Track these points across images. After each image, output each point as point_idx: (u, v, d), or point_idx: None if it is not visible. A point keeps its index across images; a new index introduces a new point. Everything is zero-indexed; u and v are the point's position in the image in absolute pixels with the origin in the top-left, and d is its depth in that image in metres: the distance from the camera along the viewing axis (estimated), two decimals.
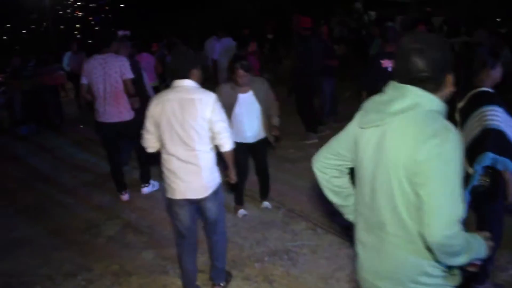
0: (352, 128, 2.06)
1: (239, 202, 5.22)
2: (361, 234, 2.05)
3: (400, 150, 1.75)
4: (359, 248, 2.07)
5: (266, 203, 5.30)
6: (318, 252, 4.32)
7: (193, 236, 3.70)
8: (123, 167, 6.10)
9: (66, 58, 11.78)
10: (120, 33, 12.39)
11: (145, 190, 6.06)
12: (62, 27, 38.23)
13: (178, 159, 3.40)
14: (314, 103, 7.87)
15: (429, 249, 1.76)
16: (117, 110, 5.48)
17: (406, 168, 1.73)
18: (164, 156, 3.48)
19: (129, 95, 5.50)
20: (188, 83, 3.42)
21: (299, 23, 8.18)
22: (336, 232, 4.59)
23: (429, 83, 1.76)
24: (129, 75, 5.45)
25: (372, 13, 13.45)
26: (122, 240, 4.88)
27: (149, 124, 3.47)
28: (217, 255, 3.80)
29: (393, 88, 1.83)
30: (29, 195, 6.51)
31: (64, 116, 10.84)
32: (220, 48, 9.18)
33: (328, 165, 2.17)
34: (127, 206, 5.70)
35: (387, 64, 5.21)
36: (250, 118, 4.79)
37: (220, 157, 3.60)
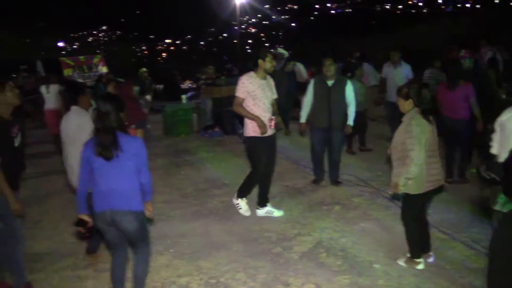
0: None
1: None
2: None
3: None
4: None
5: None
6: None
7: None
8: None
9: None
10: (280, 51, 12.71)
11: None
12: (235, 41, 40.87)
13: None
14: None
15: None
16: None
17: None
18: None
19: None
20: None
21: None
22: None
23: None
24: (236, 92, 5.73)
25: None
26: (315, 259, 4.80)
27: None
28: None
29: None
30: (216, 198, 6.84)
31: None
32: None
33: None
34: (317, 225, 5.65)
35: None
36: None
37: None
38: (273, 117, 5.86)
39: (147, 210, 3.77)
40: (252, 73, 5.73)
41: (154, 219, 5.97)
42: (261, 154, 5.81)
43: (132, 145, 3.56)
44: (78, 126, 4.61)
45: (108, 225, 3.63)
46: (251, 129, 5.74)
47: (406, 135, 4.23)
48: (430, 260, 4.62)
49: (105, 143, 3.48)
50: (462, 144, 6.91)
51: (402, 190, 4.31)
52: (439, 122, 7.06)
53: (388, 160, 6.64)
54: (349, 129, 6.93)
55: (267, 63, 5.66)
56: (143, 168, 3.62)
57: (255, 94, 5.64)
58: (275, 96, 5.97)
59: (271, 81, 5.96)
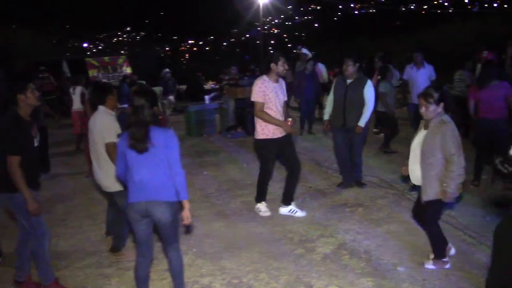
0: None
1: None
2: None
3: None
4: None
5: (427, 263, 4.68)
6: None
7: None
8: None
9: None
10: (303, 51, 12.66)
11: None
12: (258, 42, 40.85)
13: None
14: None
15: None
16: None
17: None
18: None
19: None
20: None
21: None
22: None
23: None
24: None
25: None
26: (338, 261, 4.76)
27: None
28: None
29: None
30: (238, 198, 6.86)
31: None
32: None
33: None
34: (340, 226, 5.61)
35: None
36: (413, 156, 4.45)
37: None
38: (290, 119, 5.95)
39: (185, 218, 3.80)
40: (265, 77, 5.80)
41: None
42: (270, 155, 5.95)
43: (163, 138, 3.61)
44: (103, 127, 4.70)
45: (141, 216, 3.69)
46: (260, 131, 5.84)
47: (443, 139, 4.12)
48: (452, 252, 4.60)
49: (137, 136, 3.56)
50: (499, 144, 6.66)
51: (456, 193, 4.21)
52: (469, 124, 6.91)
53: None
54: (359, 129, 6.72)
55: (280, 67, 5.75)
56: (174, 160, 3.64)
57: (269, 97, 5.72)
58: (285, 98, 6.03)
59: (283, 84, 6.03)
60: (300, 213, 6.03)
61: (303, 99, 11.10)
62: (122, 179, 3.84)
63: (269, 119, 5.73)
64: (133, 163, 3.63)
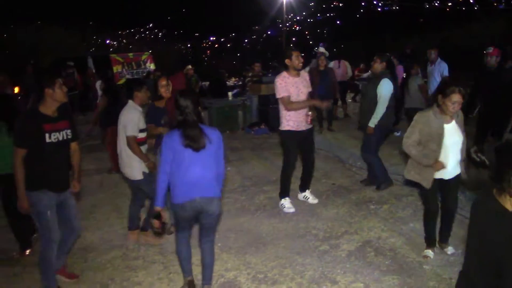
0: None
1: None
2: None
3: None
4: None
5: (450, 248, 4.82)
6: None
7: None
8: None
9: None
10: (321, 50, 12.54)
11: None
12: (279, 39, 40.75)
13: None
14: None
15: None
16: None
17: None
18: None
19: None
20: None
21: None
22: None
23: None
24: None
25: None
26: (363, 258, 4.75)
27: None
28: None
29: None
30: (262, 194, 6.88)
31: None
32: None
33: None
34: (364, 224, 5.59)
35: None
36: (453, 152, 4.36)
37: None
38: (310, 112, 6.00)
39: None
40: (284, 73, 5.88)
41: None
42: (292, 146, 6.05)
43: (215, 136, 3.78)
44: (126, 120, 4.88)
45: (195, 212, 3.80)
46: (285, 123, 5.94)
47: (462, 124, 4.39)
48: None
49: (192, 136, 3.67)
50: None
51: None
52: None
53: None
54: (369, 130, 6.51)
55: (294, 61, 5.83)
56: (221, 157, 3.84)
57: (290, 93, 5.81)
58: (310, 89, 6.10)
59: (305, 76, 6.09)
60: (312, 200, 6.35)
61: (317, 97, 11.05)
62: (166, 179, 3.75)
63: (298, 106, 5.83)
64: (185, 161, 3.70)
